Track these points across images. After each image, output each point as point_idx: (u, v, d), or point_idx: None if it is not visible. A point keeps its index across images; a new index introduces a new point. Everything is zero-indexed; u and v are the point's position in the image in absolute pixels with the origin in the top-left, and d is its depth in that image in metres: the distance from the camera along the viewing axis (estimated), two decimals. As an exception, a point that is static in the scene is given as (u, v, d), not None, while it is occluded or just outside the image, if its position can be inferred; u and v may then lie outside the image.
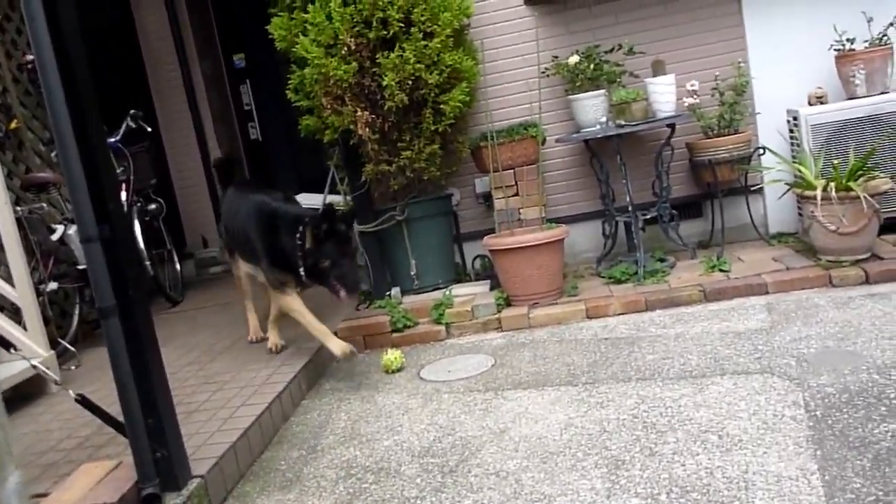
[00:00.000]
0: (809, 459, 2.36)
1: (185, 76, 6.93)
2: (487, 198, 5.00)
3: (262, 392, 3.47)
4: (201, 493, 2.63)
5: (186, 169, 7.08)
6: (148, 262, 5.50)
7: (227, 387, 3.65)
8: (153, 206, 5.92)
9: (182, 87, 6.93)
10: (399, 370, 3.88)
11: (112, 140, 5.33)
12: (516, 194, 4.74)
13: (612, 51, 4.77)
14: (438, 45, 4.27)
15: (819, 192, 3.94)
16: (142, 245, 5.43)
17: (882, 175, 4.08)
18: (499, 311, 4.31)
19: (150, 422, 2.50)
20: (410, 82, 4.26)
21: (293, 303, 3.83)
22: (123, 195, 5.37)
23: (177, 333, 4.94)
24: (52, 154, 5.15)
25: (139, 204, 5.68)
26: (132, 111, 5.60)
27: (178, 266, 6.25)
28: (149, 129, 5.74)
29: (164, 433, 2.54)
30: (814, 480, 2.24)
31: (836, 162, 4.09)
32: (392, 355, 3.90)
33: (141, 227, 5.53)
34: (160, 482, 2.51)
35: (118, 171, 5.37)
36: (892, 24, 4.39)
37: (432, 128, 4.40)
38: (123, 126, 5.54)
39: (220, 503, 2.75)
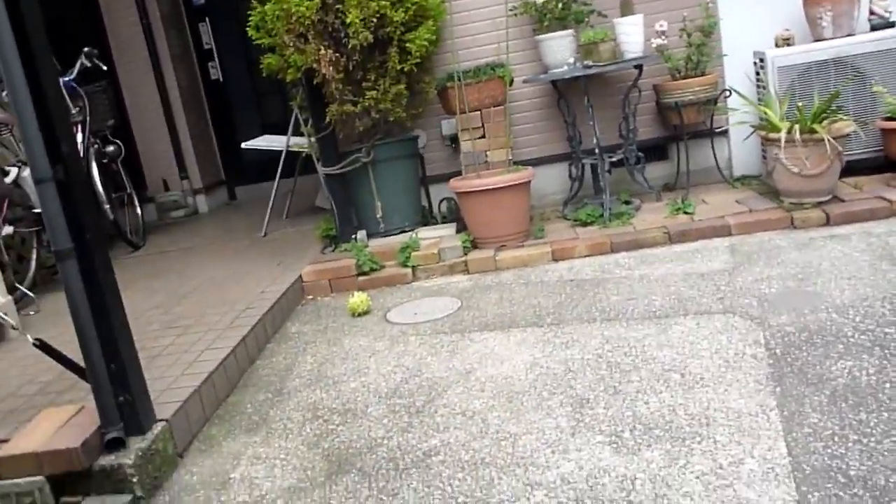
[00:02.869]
0: (769, 396, 2.41)
1: (142, 14, 6.69)
2: (454, 140, 4.94)
3: (227, 336, 3.44)
4: (166, 436, 2.62)
5: (145, 110, 6.89)
6: (107, 206, 5.38)
7: (191, 331, 3.61)
8: (111, 148, 5.77)
9: (139, 26, 6.70)
10: (365, 313, 3.87)
11: (66, 79, 5.16)
12: (483, 136, 4.70)
13: (580, -11, 4.70)
14: (404, -18, 4.17)
15: (783, 135, 3.95)
16: (100, 188, 5.31)
17: (845, 118, 4.10)
18: (465, 254, 4.30)
19: (111, 366, 2.46)
20: (375, 20, 4.16)
21: None
22: (79, 136, 5.22)
23: (138, 278, 4.86)
24: (3, 93, 4.96)
25: (96, 146, 5.53)
26: (86, 49, 5.41)
27: (138, 210, 6.13)
28: (104, 68, 5.56)
29: (126, 377, 2.50)
30: (773, 416, 2.29)
31: (800, 104, 4.09)
32: (358, 298, 3.88)
33: (99, 169, 5.40)
34: (124, 426, 2.48)
35: (74, 111, 5.22)
36: (860, -35, 4.38)
37: (398, 67, 4.31)
38: (78, 65, 5.35)
39: (185, 446, 2.74)
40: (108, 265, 2.52)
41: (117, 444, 2.46)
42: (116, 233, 5.67)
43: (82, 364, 2.49)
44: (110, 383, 2.46)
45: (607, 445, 2.29)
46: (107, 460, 2.44)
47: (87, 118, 5.36)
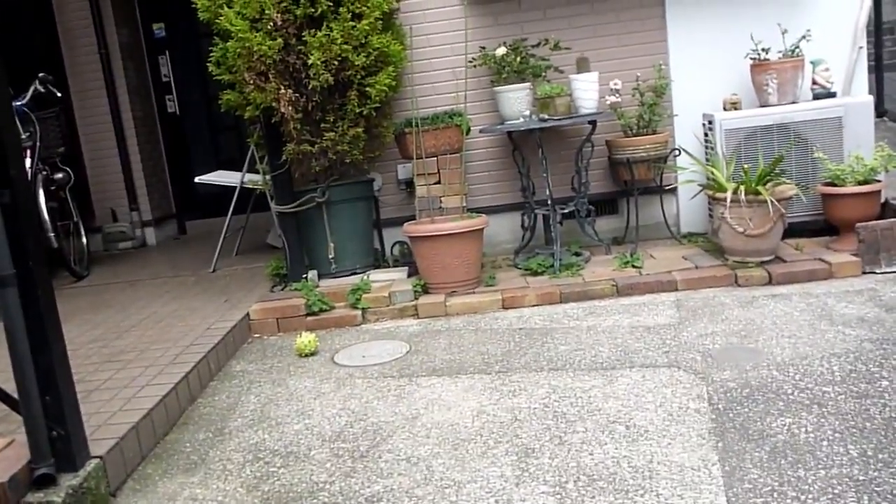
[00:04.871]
0: (711, 450, 2.44)
1: (101, 43, 6.63)
2: (409, 184, 4.98)
3: (169, 372, 3.37)
4: (99, 474, 2.53)
5: (98, 139, 6.79)
6: (52, 234, 5.24)
7: (132, 365, 3.52)
8: (60, 175, 5.66)
9: (97, 55, 6.63)
10: (312, 354, 3.82)
11: (18, 103, 5.07)
12: (438, 182, 4.74)
13: (538, 45, 4.83)
14: (367, 27, 4.22)
15: (729, 195, 4.07)
16: (45, 215, 5.17)
17: (788, 181, 4.26)
18: (416, 298, 4.30)
19: (46, 399, 2.38)
20: (336, 63, 4.19)
21: None
22: (28, 161, 5.11)
23: (81, 309, 4.74)
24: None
25: (45, 172, 5.41)
26: (41, 74, 5.34)
27: (84, 239, 5.99)
28: (58, 95, 5.48)
29: (61, 411, 2.42)
30: (714, 471, 2.32)
31: (746, 166, 4.23)
32: (306, 339, 3.84)
33: (46, 196, 5.28)
34: (55, 462, 2.39)
35: (24, 136, 5.11)
36: (804, 38, 4.58)
37: (357, 110, 4.34)
38: (31, 89, 5.27)
39: (119, 485, 2.65)
40: (49, 294, 2.46)
41: (47, 481, 2.37)
42: (60, 262, 5.53)
43: (15, 395, 2.41)
44: (44, 416, 2.38)
45: (551, 496, 2.29)
46: (35, 497, 2.34)
47: (38, 144, 5.26)
